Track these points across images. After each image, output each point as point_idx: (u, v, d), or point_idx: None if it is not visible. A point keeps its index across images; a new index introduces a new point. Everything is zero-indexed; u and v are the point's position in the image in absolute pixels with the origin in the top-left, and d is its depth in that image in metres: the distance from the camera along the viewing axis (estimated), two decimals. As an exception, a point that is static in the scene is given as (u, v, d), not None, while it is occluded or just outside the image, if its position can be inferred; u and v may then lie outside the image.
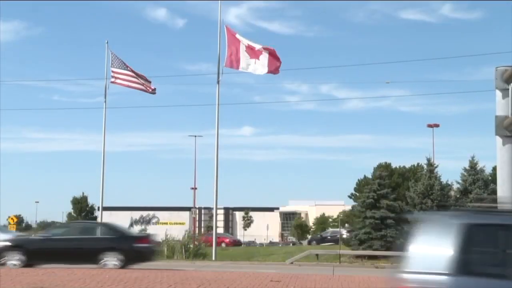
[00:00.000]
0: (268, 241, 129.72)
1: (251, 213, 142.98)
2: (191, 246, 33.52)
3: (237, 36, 31.72)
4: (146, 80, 37.13)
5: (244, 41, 31.45)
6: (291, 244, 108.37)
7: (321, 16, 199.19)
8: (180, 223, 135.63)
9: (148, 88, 37.00)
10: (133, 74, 37.05)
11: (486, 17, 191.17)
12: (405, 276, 6.18)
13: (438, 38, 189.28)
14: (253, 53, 31.27)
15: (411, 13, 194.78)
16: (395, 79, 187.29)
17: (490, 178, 41.13)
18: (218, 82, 32.11)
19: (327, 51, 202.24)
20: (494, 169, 35.33)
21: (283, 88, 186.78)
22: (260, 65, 31.30)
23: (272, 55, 31.19)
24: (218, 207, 32.28)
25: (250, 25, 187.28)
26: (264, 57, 31.19)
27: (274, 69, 31.41)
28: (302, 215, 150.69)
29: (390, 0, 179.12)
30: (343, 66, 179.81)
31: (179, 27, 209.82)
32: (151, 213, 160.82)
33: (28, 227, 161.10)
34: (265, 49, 31.21)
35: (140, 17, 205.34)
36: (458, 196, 40.71)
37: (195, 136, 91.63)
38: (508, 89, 28.38)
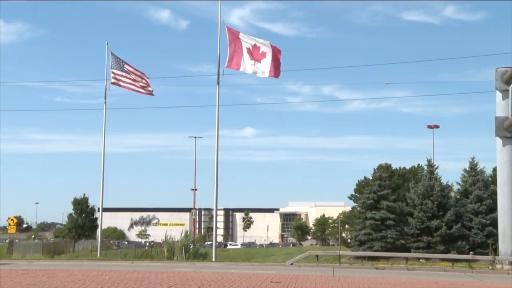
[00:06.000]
0: (268, 242, 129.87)
1: (251, 214, 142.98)
2: (191, 247, 33.50)
3: (241, 35, 31.63)
4: (146, 80, 37.20)
5: (247, 42, 31.35)
6: (291, 245, 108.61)
7: (324, 18, 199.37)
8: (180, 224, 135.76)
9: (146, 91, 37.09)
10: (132, 77, 37.08)
11: (490, 18, 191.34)
12: None
13: (440, 39, 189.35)
14: (255, 55, 31.19)
15: (414, 15, 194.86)
16: (397, 81, 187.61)
17: (490, 179, 41.10)
18: (218, 83, 32.09)
19: (329, 52, 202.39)
20: (494, 170, 35.30)
21: (285, 89, 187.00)
22: (262, 68, 31.23)
23: (275, 59, 31.06)
24: (218, 208, 32.24)
25: (253, 26, 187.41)
26: (267, 61, 31.09)
27: (275, 74, 31.31)
28: (302, 216, 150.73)
29: (393, 0, 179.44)
30: (345, 67, 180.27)
31: (182, 29, 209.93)
32: (151, 214, 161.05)
33: (28, 228, 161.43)
34: (271, 47, 31.06)
35: (144, 18, 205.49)
36: (458, 197, 40.67)
37: (195, 137, 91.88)
38: (508, 90, 28.31)
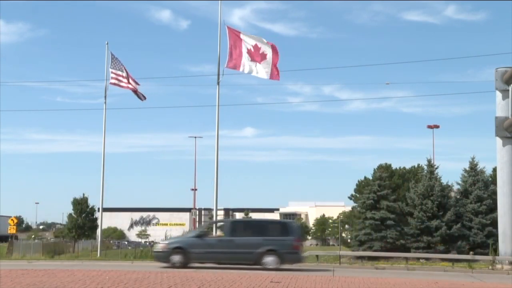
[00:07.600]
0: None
1: (251, 214, 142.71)
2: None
3: (242, 35, 31.59)
4: (136, 83, 37.72)
5: (248, 41, 31.31)
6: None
7: (324, 18, 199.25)
8: (180, 224, 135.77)
9: (140, 94, 37.51)
10: (129, 76, 37.35)
11: (490, 18, 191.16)
12: None
13: (440, 39, 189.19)
14: (255, 55, 31.15)
15: (415, 15, 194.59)
16: (397, 81, 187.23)
17: (490, 179, 41.09)
18: (218, 83, 32.07)
19: (329, 52, 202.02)
20: (495, 170, 35.29)
21: (286, 89, 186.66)
22: (262, 69, 31.19)
23: (275, 61, 30.98)
24: (218, 208, 32.26)
25: (254, 26, 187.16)
26: (267, 62, 31.04)
27: (275, 76, 31.25)
28: (302, 216, 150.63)
29: (394, 0, 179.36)
30: (346, 67, 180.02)
31: (183, 29, 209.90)
32: (151, 214, 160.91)
33: (28, 228, 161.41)
34: (272, 49, 31.01)
35: (144, 18, 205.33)
36: (458, 197, 40.68)
37: (195, 137, 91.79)
38: (508, 90, 28.33)
